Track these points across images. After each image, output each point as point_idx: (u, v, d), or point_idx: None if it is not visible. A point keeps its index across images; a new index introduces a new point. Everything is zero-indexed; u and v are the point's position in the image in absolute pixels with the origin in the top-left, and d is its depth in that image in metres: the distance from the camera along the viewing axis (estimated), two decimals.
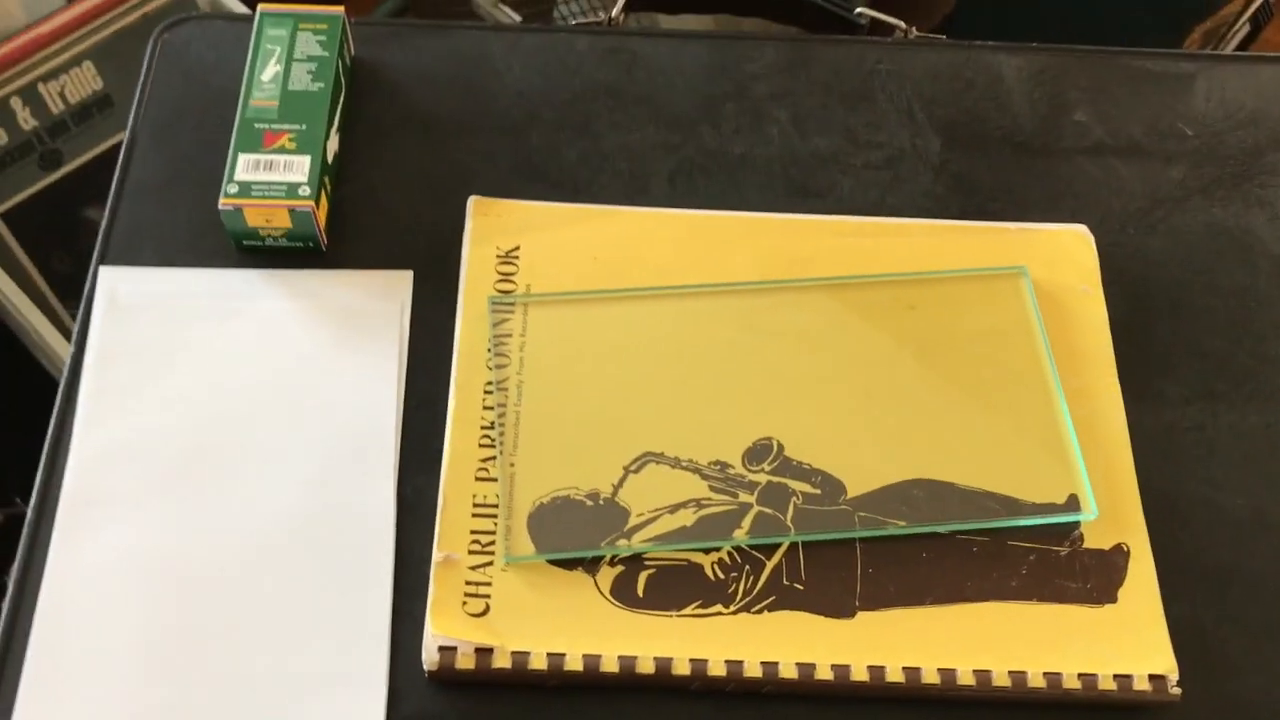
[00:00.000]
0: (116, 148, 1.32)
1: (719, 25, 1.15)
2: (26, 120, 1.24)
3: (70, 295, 1.31)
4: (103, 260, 0.64)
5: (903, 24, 0.73)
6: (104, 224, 0.65)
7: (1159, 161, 0.71)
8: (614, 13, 0.73)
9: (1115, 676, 0.55)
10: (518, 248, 0.64)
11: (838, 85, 0.72)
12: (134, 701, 0.53)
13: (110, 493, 0.58)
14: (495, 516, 0.57)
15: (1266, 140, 0.72)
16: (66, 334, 1.24)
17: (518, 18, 1.24)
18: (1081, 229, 0.66)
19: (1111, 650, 0.55)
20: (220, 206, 0.61)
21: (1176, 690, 0.54)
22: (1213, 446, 0.62)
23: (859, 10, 0.76)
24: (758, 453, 0.59)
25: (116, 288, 0.63)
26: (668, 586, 0.56)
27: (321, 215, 0.63)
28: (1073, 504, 0.58)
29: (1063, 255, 0.66)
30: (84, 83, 1.26)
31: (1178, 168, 0.70)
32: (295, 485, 0.58)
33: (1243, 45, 1.43)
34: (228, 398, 0.60)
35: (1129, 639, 0.56)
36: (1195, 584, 0.58)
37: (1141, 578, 0.57)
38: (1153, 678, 0.55)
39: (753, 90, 0.72)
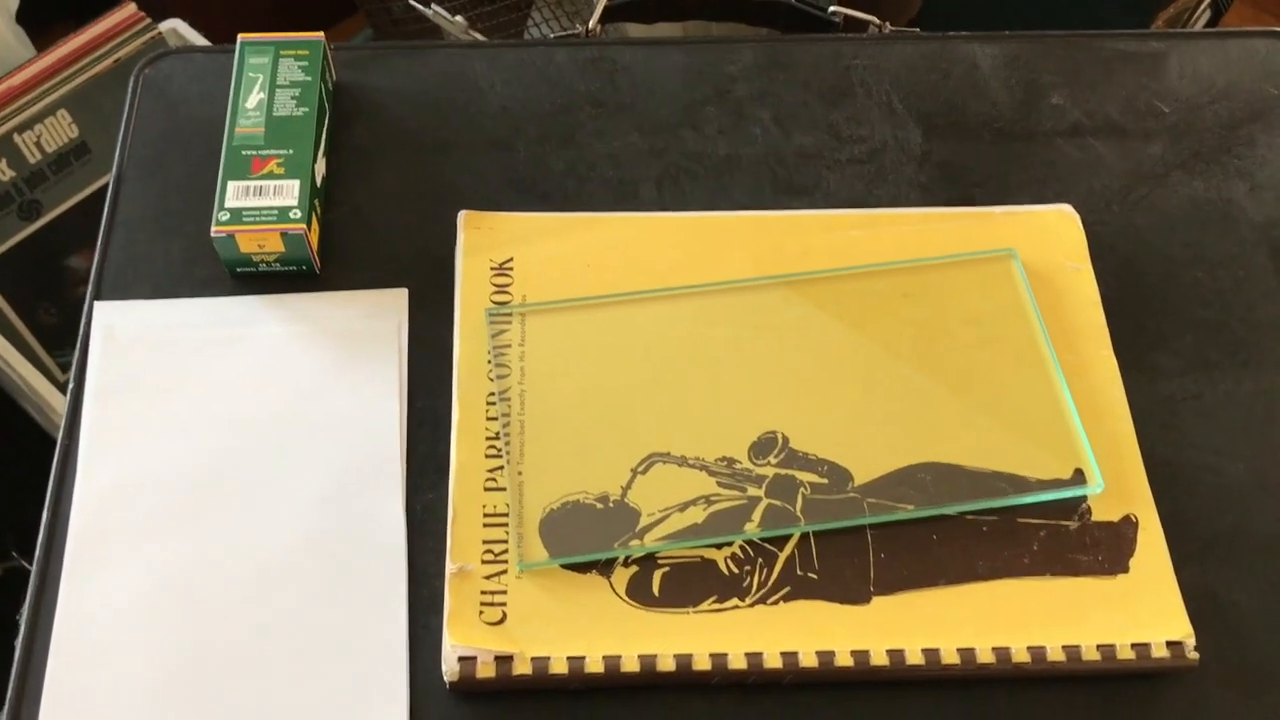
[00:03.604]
0: (96, 195, 1.32)
1: (687, 32, 1.15)
2: (4, 172, 1.24)
3: (57, 345, 1.30)
4: (97, 296, 0.64)
5: (876, 19, 0.74)
6: (96, 261, 0.65)
7: (1138, 139, 0.71)
8: (591, 24, 0.73)
9: (1133, 645, 0.55)
10: (511, 259, 0.65)
11: (816, 83, 0.73)
12: None
13: (118, 526, 0.58)
14: (506, 525, 0.57)
15: (1241, 113, 0.73)
16: (56, 384, 1.24)
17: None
18: (1067, 209, 0.67)
19: (1127, 620, 0.56)
20: (213, 234, 0.62)
21: (1194, 655, 0.55)
22: (1211, 414, 0.62)
23: (833, 9, 0.77)
24: (763, 446, 0.59)
25: (112, 322, 0.63)
26: (683, 584, 0.56)
27: (313, 238, 0.64)
28: (1079, 478, 0.59)
29: (1050, 235, 0.66)
30: (60, 131, 1.26)
31: (1157, 144, 0.71)
32: (304, 507, 0.58)
33: None
34: (230, 424, 0.60)
35: (1143, 607, 0.56)
36: (1204, 549, 0.59)
37: (1151, 546, 0.57)
38: (1170, 644, 0.55)
39: (733, 92, 0.73)
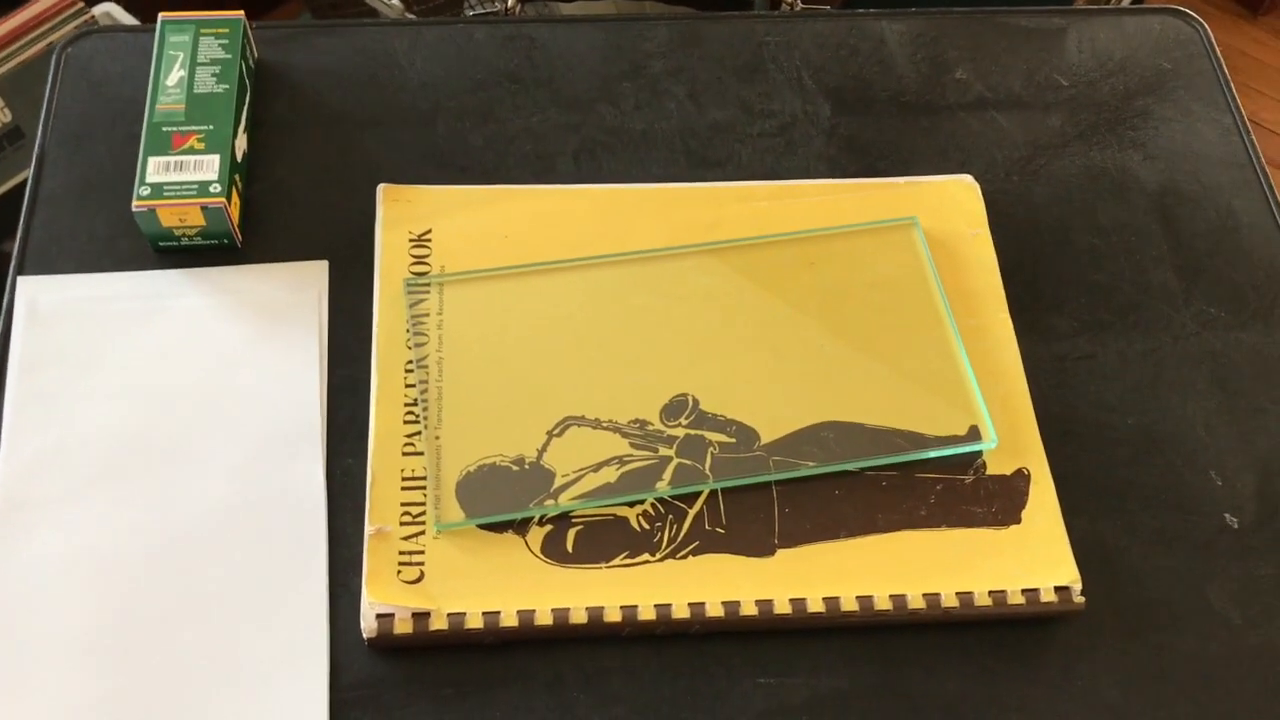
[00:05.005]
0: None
1: (620, 10, 1.17)
2: None
3: None
4: (20, 271, 0.65)
5: None
6: (19, 236, 0.66)
7: (1038, 111, 0.74)
8: (510, 2, 0.75)
9: (1023, 591, 0.58)
10: (429, 231, 0.66)
11: (730, 59, 0.75)
12: (80, 697, 0.54)
13: (44, 496, 0.59)
14: (424, 488, 0.59)
15: (1136, 86, 0.76)
16: None
17: None
18: (967, 178, 0.70)
19: (1018, 567, 0.58)
20: (134, 209, 0.63)
21: (1081, 599, 0.58)
22: (1103, 373, 0.65)
23: None
24: (674, 408, 0.61)
25: (36, 297, 0.64)
26: (596, 541, 0.58)
27: (234, 212, 0.65)
28: (974, 434, 0.61)
29: (951, 204, 0.69)
30: None
31: (1055, 116, 0.74)
32: (227, 475, 0.60)
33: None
34: (154, 395, 0.62)
35: (1034, 555, 0.59)
36: (1094, 500, 0.62)
37: (1042, 498, 0.60)
38: (1058, 589, 0.58)
39: (649, 69, 0.75)
